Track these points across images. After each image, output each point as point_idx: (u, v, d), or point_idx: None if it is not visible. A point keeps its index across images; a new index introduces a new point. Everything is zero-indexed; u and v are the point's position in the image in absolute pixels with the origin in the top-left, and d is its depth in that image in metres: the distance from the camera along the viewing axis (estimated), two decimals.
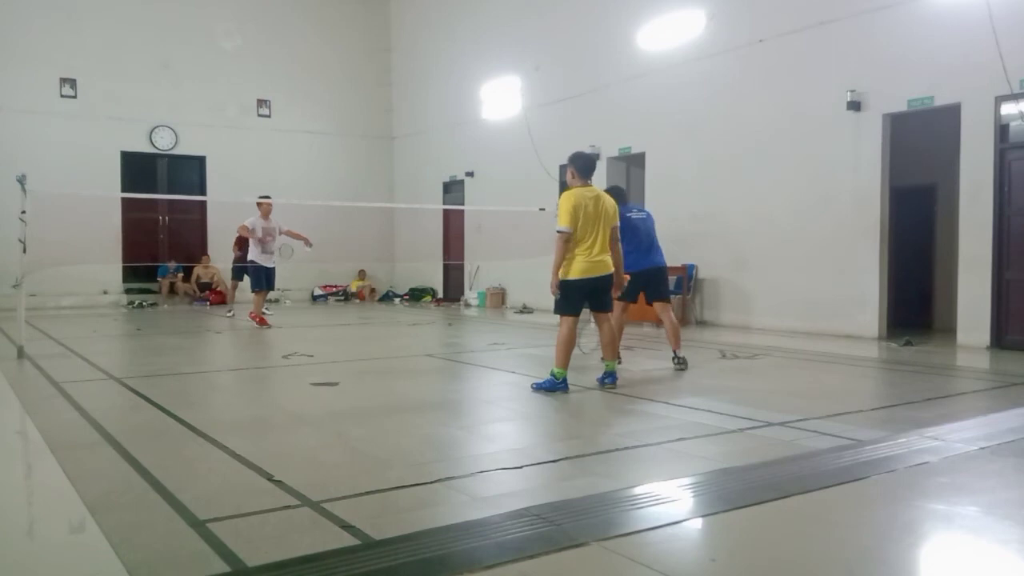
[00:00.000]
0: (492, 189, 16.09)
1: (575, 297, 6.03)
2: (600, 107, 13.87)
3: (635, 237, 7.25)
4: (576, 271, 5.96)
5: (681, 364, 7.28)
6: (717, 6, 11.82)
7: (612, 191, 7.04)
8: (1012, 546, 2.99)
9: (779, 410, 5.36)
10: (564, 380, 6.04)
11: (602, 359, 6.44)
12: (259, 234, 11.22)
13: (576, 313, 6.09)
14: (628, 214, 7.29)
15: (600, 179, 13.92)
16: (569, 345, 6.05)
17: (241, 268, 12.92)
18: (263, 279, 11.42)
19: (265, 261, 11.35)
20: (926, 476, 3.83)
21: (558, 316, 6.17)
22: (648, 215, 7.69)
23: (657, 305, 7.53)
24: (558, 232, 5.93)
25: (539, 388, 6.10)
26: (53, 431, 4.75)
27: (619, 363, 6.96)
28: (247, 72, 17.92)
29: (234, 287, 13.95)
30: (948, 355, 8.72)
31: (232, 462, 4.06)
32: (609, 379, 6.29)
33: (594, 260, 5.96)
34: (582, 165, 6.16)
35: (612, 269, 6.13)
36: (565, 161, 6.34)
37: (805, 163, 10.73)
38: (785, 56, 10.90)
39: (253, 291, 11.61)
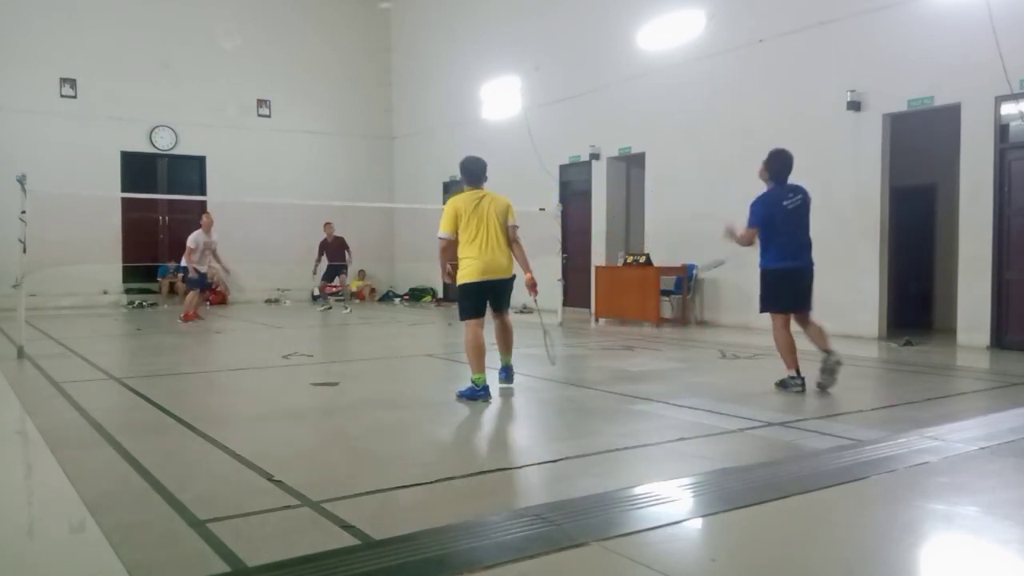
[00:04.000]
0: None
1: (474, 299, 5.83)
2: (600, 107, 13.87)
3: (784, 230, 6.11)
4: (472, 274, 5.78)
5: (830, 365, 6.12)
6: (717, 6, 11.81)
7: (776, 157, 6.20)
8: (1012, 546, 2.99)
9: (779, 410, 5.37)
10: (485, 387, 5.69)
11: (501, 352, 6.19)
12: (200, 250, 12.47)
13: (479, 315, 5.83)
14: (783, 202, 6.12)
15: (600, 179, 13.96)
16: (478, 349, 5.71)
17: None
18: (199, 281, 12.76)
19: (202, 266, 12.61)
20: (926, 476, 3.83)
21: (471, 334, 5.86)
22: (804, 197, 6.22)
23: (798, 317, 6.29)
24: (438, 238, 5.91)
25: (461, 396, 5.74)
26: (53, 431, 4.75)
27: (799, 380, 6.06)
28: (247, 72, 17.91)
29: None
30: (948, 355, 8.72)
31: (232, 462, 4.06)
32: (502, 374, 6.12)
33: (487, 261, 5.76)
34: (467, 174, 6.10)
35: (510, 273, 5.92)
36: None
37: (805, 163, 10.62)
38: (785, 56, 10.90)
39: (189, 291, 12.86)
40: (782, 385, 6.19)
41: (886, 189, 9.96)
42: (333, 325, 12.91)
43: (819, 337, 6.21)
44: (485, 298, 5.87)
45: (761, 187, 6.38)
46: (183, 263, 12.76)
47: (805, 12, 10.58)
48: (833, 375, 6.09)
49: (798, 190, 6.21)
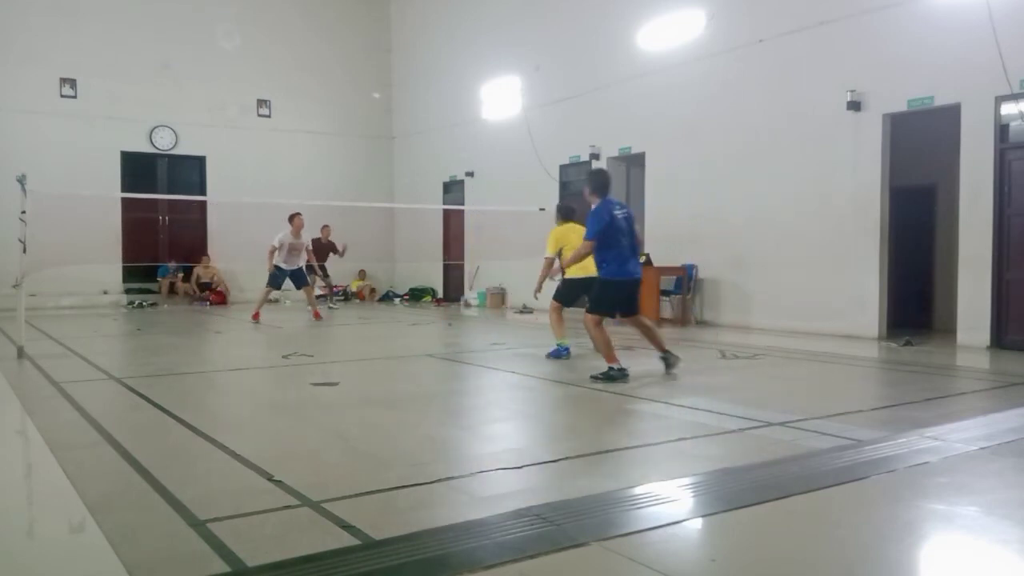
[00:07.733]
0: (492, 189, 16.08)
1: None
2: (600, 107, 13.87)
3: (619, 241, 6.63)
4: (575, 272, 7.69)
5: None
6: (717, 6, 11.81)
7: (598, 175, 6.98)
8: (1012, 546, 2.99)
9: (779, 410, 5.36)
10: (566, 348, 7.94)
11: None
12: (285, 249, 12.31)
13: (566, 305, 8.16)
14: (615, 211, 6.64)
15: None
16: (558, 322, 8.25)
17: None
18: (280, 280, 12.55)
19: (290, 265, 12.44)
20: (926, 476, 3.83)
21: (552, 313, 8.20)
22: (628, 210, 6.89)
23: (629, 319, 7.06)
24: (546, 258, 8.05)
25: (549, 356, 7.89)
26: (53, 431, 4.75)
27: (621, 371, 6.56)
28: (247, 72, 17.91)
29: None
30: (948, 355, 8.72)
31: (232, 462, 4.06)
32: (564, 352, 7.95)
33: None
34: (565, 212, 8.17)
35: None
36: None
37: (805, 163, 10.72)
38: (785, 56, 10.90)
39: (267, 288, 12.66)
40: (608, 378, 6.50)
41: (886, 189, 9.96)
42: (333, 325, 12.91)
43: (653, 338, 6.98)
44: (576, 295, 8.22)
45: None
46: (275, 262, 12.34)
47: (805, 12, 10.58)
48: (672, 366, 6.89)
49: (623, 204, 6.91)
